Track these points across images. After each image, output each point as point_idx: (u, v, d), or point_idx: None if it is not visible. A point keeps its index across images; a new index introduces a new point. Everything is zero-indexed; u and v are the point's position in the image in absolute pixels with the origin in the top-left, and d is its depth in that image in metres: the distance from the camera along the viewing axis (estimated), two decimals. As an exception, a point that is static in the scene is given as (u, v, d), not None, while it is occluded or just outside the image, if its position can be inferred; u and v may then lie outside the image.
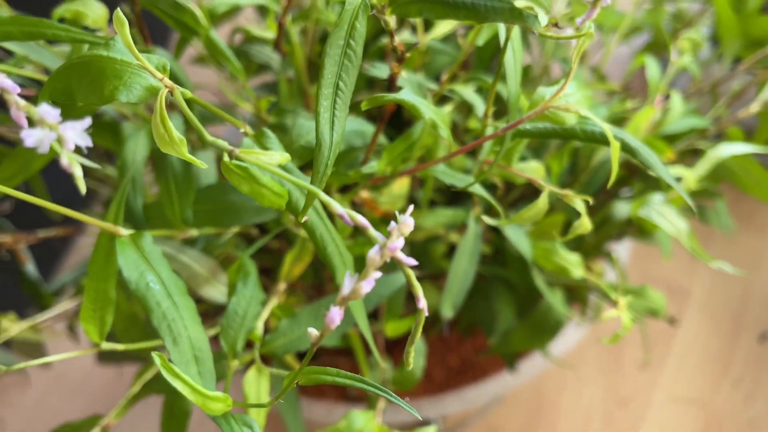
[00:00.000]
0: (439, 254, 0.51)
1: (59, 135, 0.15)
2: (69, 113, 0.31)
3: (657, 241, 0.55)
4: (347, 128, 0.34)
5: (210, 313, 0.48)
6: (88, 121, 0.16)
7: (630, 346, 0.74)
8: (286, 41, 0.43)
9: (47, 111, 0.16)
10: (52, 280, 0.62)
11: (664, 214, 0.44)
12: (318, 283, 0.51)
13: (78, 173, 0.16)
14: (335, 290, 0.50)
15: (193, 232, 0.37)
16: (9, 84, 0.17)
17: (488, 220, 0.32)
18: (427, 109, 0.28)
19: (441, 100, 0.45)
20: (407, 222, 0.18)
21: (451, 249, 0.51)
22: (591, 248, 0.55)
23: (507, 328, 0.53)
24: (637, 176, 0.53)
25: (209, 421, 0.28)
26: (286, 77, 0.43)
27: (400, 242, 0.18)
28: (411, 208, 0.19)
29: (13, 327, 0.45)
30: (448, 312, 0.41)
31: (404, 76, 0.32)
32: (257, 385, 0.34)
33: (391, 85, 0.33)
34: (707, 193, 0.54)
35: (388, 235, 0.19)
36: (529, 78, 0.54)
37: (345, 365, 0.63)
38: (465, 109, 0.50)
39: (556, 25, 0.26)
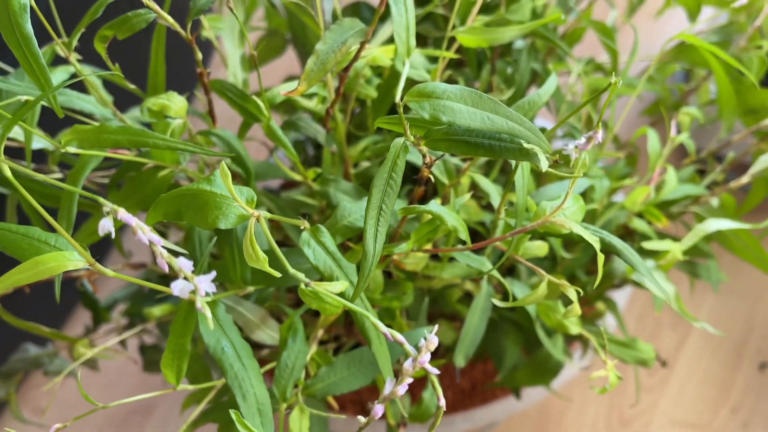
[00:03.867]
0: (455, 299, 0.57)
1: (195, 285, 0.22)
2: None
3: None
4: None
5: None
6: (213, 274, 0.23)
7: (634, 367, 0.80)
8: (331, 119, 0.49)
9: (184, 263, 0.22)
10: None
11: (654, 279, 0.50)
12: (347, 323, 0.57)
13: (209, 315, 0.22)
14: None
15: (250, 289, 0.44)
16: (155, 238, 0.23)
17: (498, 303, 0.39)
18: (450, 217, 0.34)
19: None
20: (433, 341, 0.25)
21: (466, 294, 0.58)
22: (593, 297, 0.62)
23: (513, 363, 0.59)
24: (634, 236, 0.59)
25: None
26: (330, 150, 0.50)
27: (427, 357, 0.25)
28: (436, 327, 0.26)
29: (89, 352, 0.52)
30: (460, 362, 0.48)
31: (435, 170, 0.38)
32: (300, 422, 0.41)
33: (421, 179, 0.40)
34: (700, 252, 0.60)
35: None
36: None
37: (355, 393, 0.69)
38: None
39: (556, 161, 0.32)
